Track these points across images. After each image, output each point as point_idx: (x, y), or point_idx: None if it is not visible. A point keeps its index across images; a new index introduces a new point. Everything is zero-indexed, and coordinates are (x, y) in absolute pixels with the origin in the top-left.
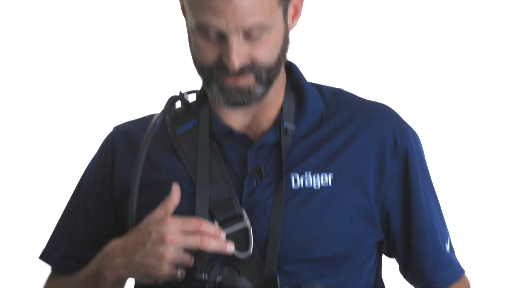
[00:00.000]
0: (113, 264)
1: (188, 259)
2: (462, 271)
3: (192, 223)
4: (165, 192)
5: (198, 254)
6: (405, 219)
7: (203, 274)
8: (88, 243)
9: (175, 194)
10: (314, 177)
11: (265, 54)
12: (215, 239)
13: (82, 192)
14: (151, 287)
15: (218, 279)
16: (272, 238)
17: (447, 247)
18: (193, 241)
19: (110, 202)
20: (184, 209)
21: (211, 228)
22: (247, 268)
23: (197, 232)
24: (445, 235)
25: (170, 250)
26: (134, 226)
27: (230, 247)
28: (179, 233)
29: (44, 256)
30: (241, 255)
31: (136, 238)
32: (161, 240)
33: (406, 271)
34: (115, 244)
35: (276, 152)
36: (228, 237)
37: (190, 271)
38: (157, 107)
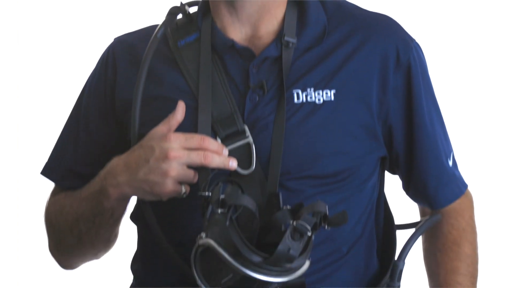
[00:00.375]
0: (116, 182)
1: (192, 175)
2: (465, 186)
3: (195, 139)
4: (167, 107)
5: (201, 171)
6: (407, 134)
7: (206, 192)
8: (90, 158)
9: (180, 111)
10: (316, 93)
11: None
12: (218, 155)
13: (83, 105)
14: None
15: (221, 197)
16: (274, 154)
17: (450, 163)
18: (197, 157)
19: (111, 117)
20: (186, 124)
21: (214, 144)
22: (249, 186)
23: (200, 148)
24: (448, 150)
25: (173, 167)
26: (137, 142)
27: (233, 163)
28: (182, 149)
29: (46, 172)
30: (244, 172)
31: (139, 155)
32: (165, 157)
33: (409, 188)
34: (118, 161)
35: (278, 66)
36: (231, 153)
37: (193, 189)
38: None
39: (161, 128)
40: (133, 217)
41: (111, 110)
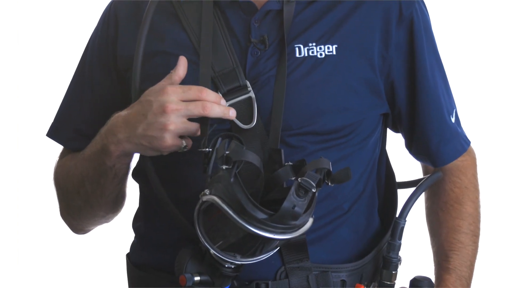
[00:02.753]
0: (116, 139)
1: (194, 128)
2: (468, 143)
3: (193, 90)
4: (169, 62)
5: (201, 126)
6: (410, 90)
7: (206, 148)
8: (96, 118)
9: (181, 67)
10: (318, 47)
11: None
12: (217, 105)
13: (86, 64)
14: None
15: (226, 153)
16: (275, 108)
17: (453, 119)
18: (195, 108)
19: (114, 74)
20: (187, 79)
21: (212, 94)
22: (250, 141)
23: (198, 99)
24: (450, 107)
25: (171, 120)
26: (138, 98)
27: (232, 112)
28: (180, 102)
29: (52, 134)
30: (245, 126)
31: (138, 110)
32: (162, 111)
33: (411, 145)
34: (117, 117)
35: (280, 21)
36: (231, 107)
37: (194, 145)
38: None
39: (162, 84)
40: (135, 175)
41: (114, 67)
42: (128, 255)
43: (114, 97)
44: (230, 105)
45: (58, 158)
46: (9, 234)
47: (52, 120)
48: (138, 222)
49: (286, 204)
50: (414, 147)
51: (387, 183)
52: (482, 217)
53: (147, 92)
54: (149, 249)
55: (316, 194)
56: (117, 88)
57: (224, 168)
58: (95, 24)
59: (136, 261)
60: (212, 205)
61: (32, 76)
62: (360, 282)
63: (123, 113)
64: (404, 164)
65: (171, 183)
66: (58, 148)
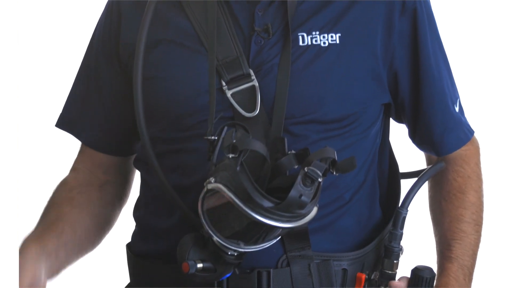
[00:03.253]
0: None
1: None
2: (472, 132)
3: None
4: (172, 50)
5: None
6: (413, 79)
7: (212, 136)
8: (102, 110)
9: None
10: (321, 36)
11: None
12: None
13: (93, 54)
14: None
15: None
16: (279, 97)
17: (457, 108)
18: None
19: (118, 65)
20: (191, 68)
21: None
22: (253, 130)
23: None
24: (454, 96)
25: None
26: (140, 85)
27: None
28: None
29: (62, 125)
30: (248, 115)
31: None
32: None
33: (415, 135)
34: None
35: (284, 10)
36: (234, 96)
37: (197, 133)
38: None
39: None
40: (136, 163)
41: (117, 58)
42: (128, 245)
43: (118, 88)
44: (233, 94)
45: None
46: (9, 234)
47: (53, 119)
48: (139, 210)
49: (293, 193)
50: (418, 136)
51: (390, 174)
52: (485, 209)
53: None
54: (149, 238)
55: (321, 183)
56: (121, 80)
57: (230, 156)
58: (96, 24)
59: (137, 250)
60: (217, 193)
61: (32, 76)
62: (362, 271)
63: None
64: (408, 155)
65: (173, 171)
66: (58, 148)
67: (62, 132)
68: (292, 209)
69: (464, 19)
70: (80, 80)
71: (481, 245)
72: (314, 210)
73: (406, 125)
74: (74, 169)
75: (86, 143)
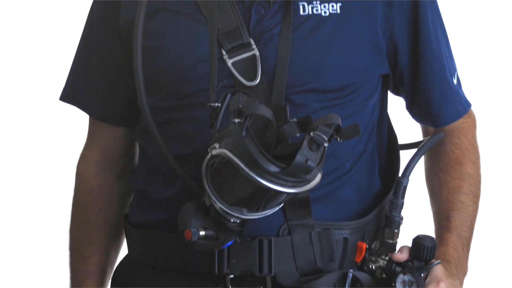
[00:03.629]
0: None
1: None
2: (469, 105)
3: None
4: (172, 19)
5: (210, 82)
6: (412, 50)
7: (215, 103)
8: (104, 82)
9: None
10: (322, 5)
11: None
12: None
13: (93, 26)
14: None
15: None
16: (279, 66)
17: (455, 81)
18: None
19: (118, 39)
20: (191, 37)
21: None
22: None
23: None
24: (452, 68)
25: None
26: (140, 54)
27: None
28: None
29: (66, 98)
30: (249, 83)
31: None
32: None
33: (413, 106)
34: None
35: None
36: (235, 65)
37: (199, 100)
38: None
39: None
40: (136, 134)
41: (116, 27)
42: (126, 216)
43: (119, 60)
44: (234, 63)
45: (83, 149)
46: (9, 234)
47: (53, 119)
48: (138, 181)
49: (299, 157)
50: (416, 108)
51: (389, 145)
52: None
53: None
54: (149, 208)
55: (326, 149)
56: (121, 51)
57: (235, 122)
58: None
59: (135, 221)
60: (222, 159)
61: (32, 76)
62: (362, 240)
63: None
64: (406, 127)
65: (173, 140)
66: (57, 148)
67: (62, 133)
68: (298, 174)
69: (464, 18)
70: (81, 54)
71: (480, 245)
72: (319, 176)
73: (404, 97)
74: (86, 158)
75: (94, 116)
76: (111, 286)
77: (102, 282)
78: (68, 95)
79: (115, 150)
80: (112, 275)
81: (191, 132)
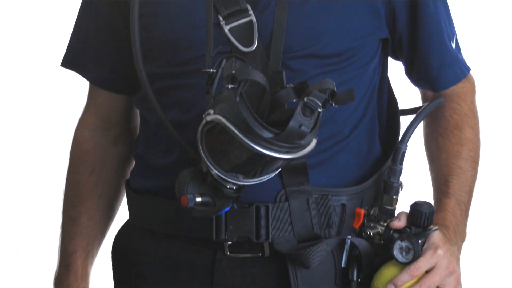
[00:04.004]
0: None
1: None
2: (468, 69)
3: None
4: None
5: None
6: (411, 14)
7: (211, 69)
8: (102, 48)
9: None
10: None
11: None
12: None
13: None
14: None
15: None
16: (276, 31)
17: (453, 45)
18: None
19: (116, 4)
20: (188, 4)
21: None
22: (252, 65)
23: None
24: (451, 33)
25: None
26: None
27: None
28: None
29: (68, 64)
30: (245, 49)
31: None
32: None
33: (412, 71)
34: None
35: None
36: (232, 31)
37: (195, 67)
38: None
39: None
40: (137, 102)
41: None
42: (127, 182)
43: (117, 28)
44: (231, 29)
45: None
46: (9, 234)
47: (53, 119)
48: (138, 147)
49: (292, 123)
50: (415, 72)
51: (389, 111)
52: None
53: None
54: (149, 175)
55: (320, 115)
56: (120, 19)
57: (229, 87)
58: None
59: (136, 187)
60: (216, 125)
61: (32, 76)
62: (361, 207)
63: None
64: (407, 94)
65: (171, 107)
66: (57, 147)
67: (62, 133)
68: (292, 139)
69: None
70: (81, 22)
71: (480, 245)
72: (314, 142)
73: (403, 62)
74: (83, 121)
75: (92, 81)
76: (112, 250)
77: (90, 243)
78: (68, 61)
79: (111, 115)
80: (103, 239)
81: (189, 99)
